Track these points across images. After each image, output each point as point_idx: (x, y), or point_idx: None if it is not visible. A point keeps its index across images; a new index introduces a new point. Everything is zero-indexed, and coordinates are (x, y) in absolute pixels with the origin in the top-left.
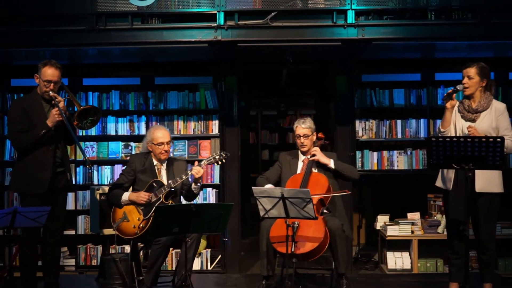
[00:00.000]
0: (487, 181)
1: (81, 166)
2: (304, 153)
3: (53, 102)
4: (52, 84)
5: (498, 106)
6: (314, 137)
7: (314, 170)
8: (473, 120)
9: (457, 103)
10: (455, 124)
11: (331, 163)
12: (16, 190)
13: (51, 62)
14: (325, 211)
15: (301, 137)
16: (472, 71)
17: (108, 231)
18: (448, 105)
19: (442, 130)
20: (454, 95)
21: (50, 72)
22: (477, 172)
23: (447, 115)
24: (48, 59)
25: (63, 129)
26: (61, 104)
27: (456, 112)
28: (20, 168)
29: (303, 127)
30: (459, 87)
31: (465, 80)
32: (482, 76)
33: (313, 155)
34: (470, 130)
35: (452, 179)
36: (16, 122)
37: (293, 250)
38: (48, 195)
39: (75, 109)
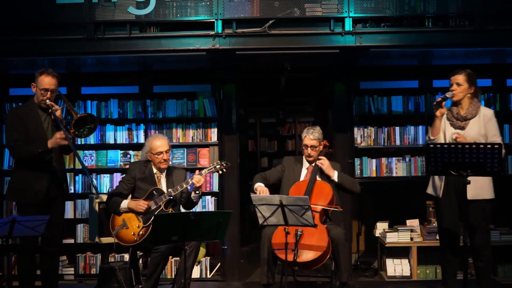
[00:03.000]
0: (477, 188)
1: (80, 175)
2: (310, 162)
3: (50, 110)
4: (49, 92)
5: (486, 112)
6: (321, 147)
7: (318, 178)
8: (462, 128)
9: (446, 111)
10: (445, 132)
11: (335, 176)
12: (13, 198)
13: (47, 70)
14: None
15: (308, 148)
16: (460, 78)
17: (107, 240)
18: (437, 113)
19: (432, 138)
20: (444, 103)
21: (47, 81)
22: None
23: (437, 123)
24: (46, 68)
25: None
26: (58, 113)
27: (445, 119)
28: (16, 177)
29: (311, 138)
30: (448, 94)
31: (454, 87)
32: (470, 83)
33: (321, 163)
34: (458, 138)
35: (441, 187)
36: (13, 131)
37: (295, 258)
38: (44, 204)
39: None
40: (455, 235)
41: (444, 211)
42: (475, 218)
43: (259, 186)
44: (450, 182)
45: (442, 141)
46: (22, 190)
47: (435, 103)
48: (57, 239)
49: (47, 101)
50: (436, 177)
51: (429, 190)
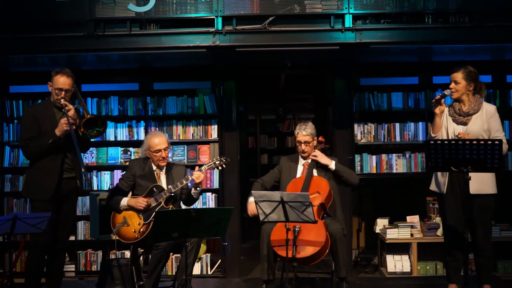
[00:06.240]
0: (480, 182)
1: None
2: (304, 158)
3: (63, 110)
4: (63, 92)
5: (488, 108)
6: (315, 142)
7: (315, 174)
8: (465, 123)
9: (447, 108)
10: (447, 128)
11: (331, 164)
12: (27, 195)
13: (63, 70)
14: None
15: (302, 144)
16: (458, 76)
17: (108, 237)
18: (437, 110)
19: (433, 135)
20: (443, 100)
21: (61, 81)
22: (470, 174)
23: (437, 120)
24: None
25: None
26: (71, 113)
27: (446, 116)
28: (29, 175)
29: (304, 134)
30: (446, 92)
31: (452, 85)
32: (469, 80)
33: (314, 156)
34: (461, 136)
35: (446, 183)
36: (26, 130)
37: (294, 254)
38: (55, 200)
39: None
40: (459, 230)
41: (448, 207)
42: (478, 213)
43: (250, 204)
44: (453, 178)
45: (445, 138)
46: (33, 187)
47: (433, 101)
48: (66, 235)
49: (62, 100)
50: (439, 174)
51: (432, 187)
